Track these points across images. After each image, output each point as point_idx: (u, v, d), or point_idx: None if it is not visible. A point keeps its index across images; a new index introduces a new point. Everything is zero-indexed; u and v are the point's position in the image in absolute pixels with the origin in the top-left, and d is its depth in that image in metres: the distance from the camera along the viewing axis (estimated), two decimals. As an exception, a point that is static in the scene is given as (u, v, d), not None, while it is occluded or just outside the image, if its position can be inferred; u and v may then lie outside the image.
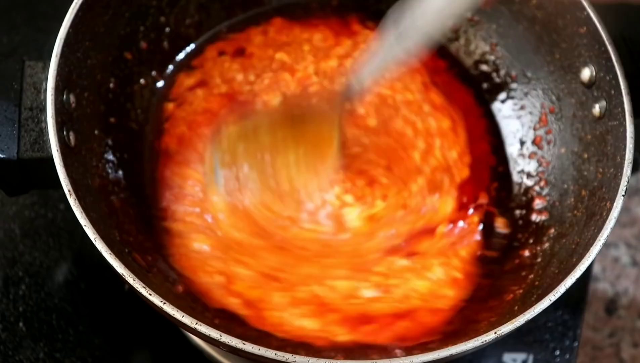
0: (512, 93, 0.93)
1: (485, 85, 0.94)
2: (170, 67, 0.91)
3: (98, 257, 0.65)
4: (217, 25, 0.94)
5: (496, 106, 0.93)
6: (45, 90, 0.72)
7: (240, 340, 0.62)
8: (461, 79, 0.95)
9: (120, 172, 0.82)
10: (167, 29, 0.91)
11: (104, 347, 0.88)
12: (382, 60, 0.75)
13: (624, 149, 0.74)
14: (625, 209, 1.11)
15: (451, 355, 0.64)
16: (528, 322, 0.66)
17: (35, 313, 0.89)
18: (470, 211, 0.86)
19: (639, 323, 1.06)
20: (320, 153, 0.84)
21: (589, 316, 1.05)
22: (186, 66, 0.91)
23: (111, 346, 0.88)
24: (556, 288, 0.67)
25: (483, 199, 0.87)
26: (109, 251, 0.65)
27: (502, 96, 0.93)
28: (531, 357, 0.91)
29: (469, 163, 0.89)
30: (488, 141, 0.91)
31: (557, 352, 0.91)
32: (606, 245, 1.07)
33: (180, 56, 0.92)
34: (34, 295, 0.90)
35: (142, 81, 0.88)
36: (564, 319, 0.93)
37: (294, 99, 0.88)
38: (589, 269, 0.87)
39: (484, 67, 0.95)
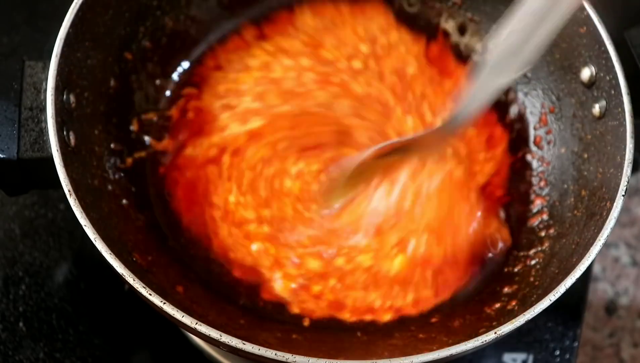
0: (512, 93, 0.93)
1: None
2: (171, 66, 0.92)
3: (98, 257, 0.66)
4: (219, 25, 0.95)
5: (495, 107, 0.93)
6: (45, 90, 0.72)
7: (240, 340, 0.62)
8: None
9: (121, 172, 0.82)
10: (168, 29, 0.91)
11: (104, 347, 0.88)
12: (480, 93, 0.74)
13: (624, 149, 0.74)
14: (625, 209, 1.11)
15: (451, 355, 0.64)
16: (528, 322, 0.66)
17: (35, 313, 0.89)
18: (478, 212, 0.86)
19: (639, 323, 1.06)
20: None
21: (589, 316, 1.05)
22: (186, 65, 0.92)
23: (111, 346, 0.88)
24: (556, 288, 0.67)
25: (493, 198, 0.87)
26: (109, 251, 0.65)
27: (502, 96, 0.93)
28: (531, 357, 0.91)
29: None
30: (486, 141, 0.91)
31: (557, 352, 0.91)
32: (606, 245, 1.07)
33: (181, 55, 0.92)
34: (34, 295, 0.90)
35: (142, 81, 0.89)
36: (564, 319, 0.93)
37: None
38: (589, 269, 0.87)
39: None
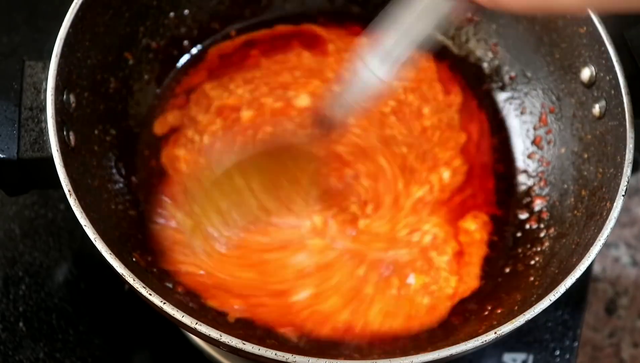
0: (512, 93, 0.93)
1: (485, 85, 0.94)
2: (171, 66, 0.92)
3: (98, 257, 0.65)
4: (220, 27, 0.95)
5: (496, 107, 0.93)
6: (45, 90, 0.72)
7: (240, 340, 0.62)
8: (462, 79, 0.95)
9: (121, 172, 0.82)
10: (168, 30, 0.91)
11: (104, 347, 0.88)
12: (361, 87, 0.72)
13: (624, 149, 0.74)
14: (625, 209, 1.11)
15: (451, 355, 0.64)
16: (528, 322, 0.66)
17: (35, 313, 0.89)
18: (473, 212, 0.86)
19: (639, 323, 1.06)
20: (296, 184, 0.83)
21: (589, 316, 1.05)
22: (187, 67, 0.92)
23: (111, 346, 0.88)
24: (556, 288, 0.67)
25: (485, 200, 0.87)
26: (109, 251, 0.65)
27: (502, 96, 0.93)
28: (531, 357, 0.90)
29: (469, 164, 0.89)
30: (489, 141, 0.91)
31: (557, 352, 0.91)
32: (606, 245, 1.07)
33: (181, 57, 0.93)
34: (34, 295, 0.89)
35: (142, 81, 0.89)
36: (564, 319, 0.93)
37: (269, 136, 0.86)
38: (589, 269, 0.87)
39: (484, 68, 0.95)
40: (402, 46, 0.68)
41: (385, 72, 0.70)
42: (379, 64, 0.70)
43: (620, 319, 1.06)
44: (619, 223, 0.73)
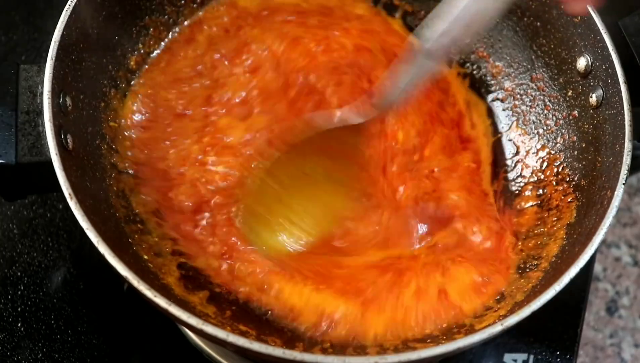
0: (509, 87, 0.93)
1: (482, 81, 0.95)
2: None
3: (97, 257, 0.65)
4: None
5: (494, 103, 0.93)
6: (42, 93, 0.71)
7: (247, 340, 0.62)
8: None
9: (119, 173, 0.82)
10: (164, 31, 0.91)
11: (103, 347, 0.87)
12: (411, 76, 0.74)
13: (623, 138, 0.74)
14: (626, 208, 1.11)
15: (458, 348, 0.63)
16: (529, 322, 0.66)
17: (33, 313, 0.88)
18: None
19: (640, 322, 1.07)
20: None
21: (590, 316, 1.05)
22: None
23: (110, 346, 0.88)
24: (560, 278, 0.67)
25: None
26: (112, 254, 0.65)
27: (501, 91, 0.94)
28: (532, 357, 0.90)
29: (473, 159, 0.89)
30: (488, 137, 0.91)
31: (557, 352, 0.91)
32: (607, 245, 1.07)
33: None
34: (33, 295, 0.89)
35: (138, 81, 0.88)
36: (564, 319, 0.93)
37: (314, 120, 0.85)
38: (590, 268, 0.87)
39: (482, 64, 0.95)
40: (458, 30, 0.69)
41: (440, 56, 0.72)
42: (434, 48, 0.71)
43: (622, 319, 1.06)
44: (619, 222, 0.73)
